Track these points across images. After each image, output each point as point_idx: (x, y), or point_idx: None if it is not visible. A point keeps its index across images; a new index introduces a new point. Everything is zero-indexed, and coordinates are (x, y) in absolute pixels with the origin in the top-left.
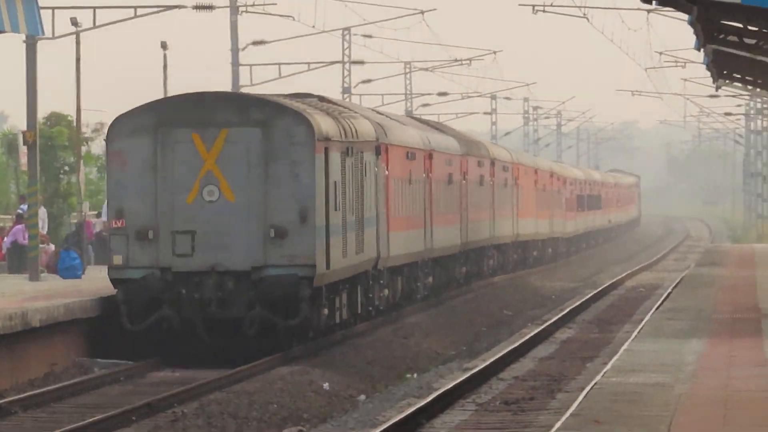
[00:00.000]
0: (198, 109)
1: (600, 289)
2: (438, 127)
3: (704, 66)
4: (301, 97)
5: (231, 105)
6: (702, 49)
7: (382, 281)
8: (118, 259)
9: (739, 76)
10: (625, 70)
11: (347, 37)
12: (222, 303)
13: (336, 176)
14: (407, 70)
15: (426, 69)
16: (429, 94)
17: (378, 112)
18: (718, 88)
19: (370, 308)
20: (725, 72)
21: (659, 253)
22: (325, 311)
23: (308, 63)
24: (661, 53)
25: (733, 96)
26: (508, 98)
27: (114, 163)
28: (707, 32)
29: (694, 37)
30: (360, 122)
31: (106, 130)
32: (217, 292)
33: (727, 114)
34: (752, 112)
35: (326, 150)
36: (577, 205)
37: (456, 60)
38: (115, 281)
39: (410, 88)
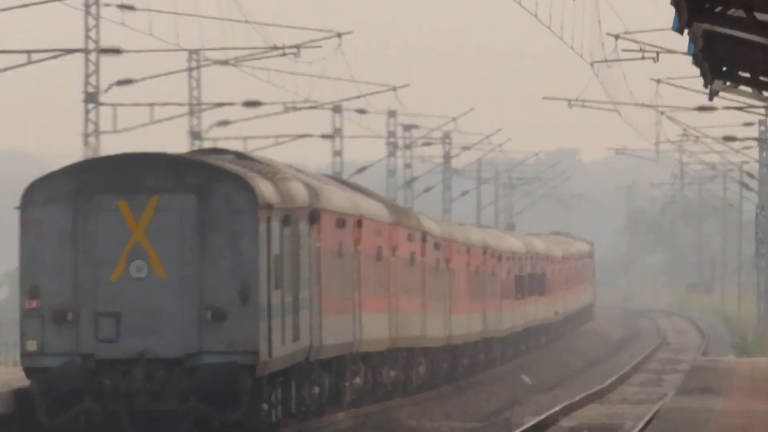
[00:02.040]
0: (125, 173)
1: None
2: (355, 187)
3: (690, 58)
4: (217, 154)
5: (163, 168)
6: (686, 31)
7: (312, 376)
8: (32, 345)
9: (747, 74)
10: (565, 66)
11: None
12: (151, 395)
13: (276, 249)
14: (194, 63)
15: (224, 62)
16: (229, 104)
17: (296, 169)
18: (712, 94)
19: (303, 408)
20: (725, 68)
21: (618, 369)
22: (265, 407)
23: None
24: (616, 37)
25: (739, 108)
26: (361, 111)
27: (28, 234)
28: (694, 2)
29: (671, 11)
30: (294, 185)
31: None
32: (146, 383)
33: (728, 139)
34: None
35: (268, 219)
36: (515, 290)
37: (275, 48)
38: (29, 370)
39: (198, 93)
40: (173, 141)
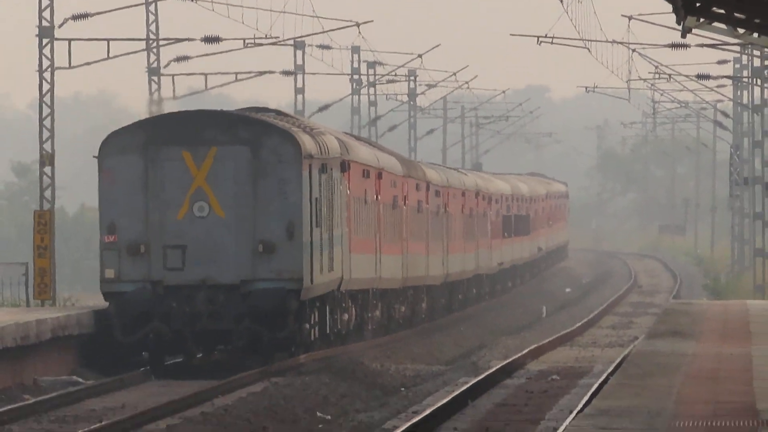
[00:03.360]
0: (188, 128)
1: (488, 373)
2: (369, 143)
3: None
4: (260, 112)
5: (220, 123)
6: None
7: (343, 304)
8: (110, 273)
9: (721, 11)
10: (534, 2)
11: None
12: (212, 316)
13: (316, 193)
14: None
15: None
16: (188, 39)
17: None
18: (685, 31)
19: (335, 331)
20: (698, 4)
21: (588, 313)
22: (306, 326)
23: None
24: None
25: (713, 46)
26: (325, 47)
27: (105, 181)
28: None
29: None
30: (328, 138)
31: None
32: (207, 306)
33: (702, 77)
34: (746, 73)
35: (310, 167)
36: (502, 229)
37: None
38: (107, 294)
39: (156, 28)
40: (130, 77)
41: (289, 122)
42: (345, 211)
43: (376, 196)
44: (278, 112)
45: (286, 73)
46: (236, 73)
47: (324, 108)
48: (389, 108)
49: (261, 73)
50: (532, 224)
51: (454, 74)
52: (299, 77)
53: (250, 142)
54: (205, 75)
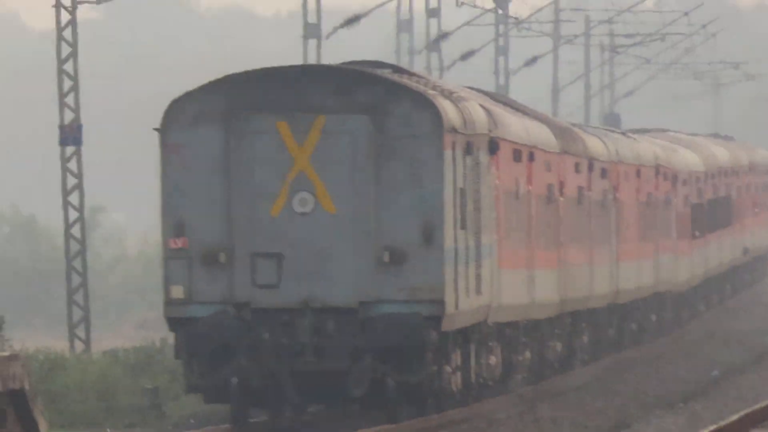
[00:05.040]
0: (285, 90)
1: None
2: (502, 100)
3: None
4: (371, 67)
5: (330, 83)
6: None
7: (490, 342)
8: (177, 291)
9: None
10: None
11: None
12: (319, 351)
13: (461, 182)
14: None
15: None
16: None
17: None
18: None
19: (480, 379)
20: None
21: None
22: (448, 369)
23: None
24: None
25: None
26: None
27: (171, 162)
28: None
29: None
30: (473, 107)
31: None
32: (312, 337)
33: None
34: None
35: (453, 146)
36: (692, 225)
37: None
38: (172, 321)
39: None
40: None
41: (419, 82)
42: (493, 209)
43: (528, 187)
44: (396, 68)
45: None
46: None
47: (352, 21)
48: (461, 21)
49: None
50: (735, 212)
51: None
52: None
53: (372, 110)
54: None
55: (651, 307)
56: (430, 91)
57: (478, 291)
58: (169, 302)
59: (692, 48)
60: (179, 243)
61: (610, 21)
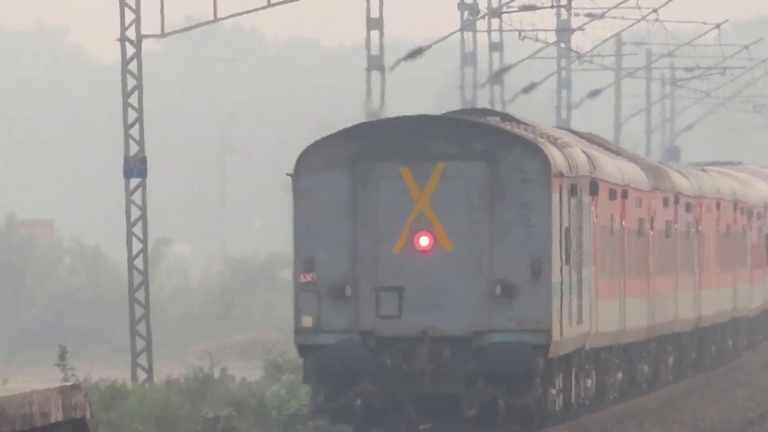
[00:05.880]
0: (407, 138)
1: None
2: (597, 141)
3: None
4: (480, 115)
5: (448, 133)
6: None
7: (587, 366)
8: (307, 321)
9: None
10: None
11: None
12: (436, 376)
13: (566, 221)
14: None
15: None
16: None
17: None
18: None
19: (580, 400)
20: None
21: None
22: (553, 392)
23: None
24: None
25: None
26: None
27: (303, 204)
28: None
29: None
30: (576, 152)
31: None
32: (430, 363)
33: None
34: None
35: (560, 189)
36: (766, 255)
37: None
38: (302, 348)
39: None
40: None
41: (527, 130)
42: (592, 244)
43: (621, 222)
44: (504, 116)
45: None
46: None
47: (415, 54)
48: (524, 54)
49: None
50: None
51: None
52: (375, 1)
53: (487, 156)
54: None
55: (729, 331)
56: (540, 139)
57: (580, 320)
58: (299, 330)
59: (752, 81)
60: (309, 277)
61: (670, 54)
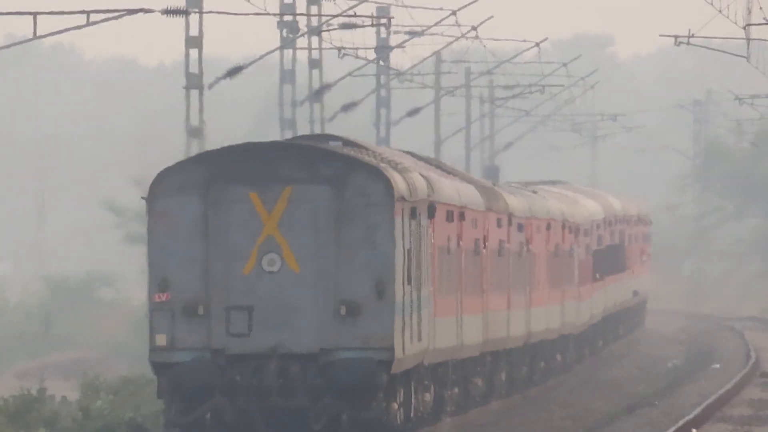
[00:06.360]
0: (257, 163)
1: None
2: (433, 163)
3: None
4: (323, 140)
5: (296, 158)
6: None
7: (426, 381)
8: (161, 339)
9: None
10: None
11: None
12: (284, 391)
13: (408, 243)
14: None
15: None
16: None
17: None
18: None
19: (419, 413)
20: None
21: (680, 413)
22: (395, 406)
23: None
24: None
25: None
26: None
27: (157, 226)
28: None
29: None
30: (416, 177)
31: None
32: (278, 379)
33: None
34: None
35: (402, 212)
36: (592, 271)
37: None
38: (157, 365)
39: None
40: None
41: (369, 155)
42: (430, 265)
43: (458, 243)
44: (346, 141)
45: (171, 12)
46: (88, 13)
47: (234, 72)
48: (344, 71)
49: (131, 12)
50: (627, 257)
51: (454, 13)
52: (194, 19)
53: (333, 181)
54: (34, 15)
55: (557, 347)
56: (382, 164)
57: (419, 337)
58: (153, 349)
59: (571, 100)
60: (163, 297)
61: (490, 72)
